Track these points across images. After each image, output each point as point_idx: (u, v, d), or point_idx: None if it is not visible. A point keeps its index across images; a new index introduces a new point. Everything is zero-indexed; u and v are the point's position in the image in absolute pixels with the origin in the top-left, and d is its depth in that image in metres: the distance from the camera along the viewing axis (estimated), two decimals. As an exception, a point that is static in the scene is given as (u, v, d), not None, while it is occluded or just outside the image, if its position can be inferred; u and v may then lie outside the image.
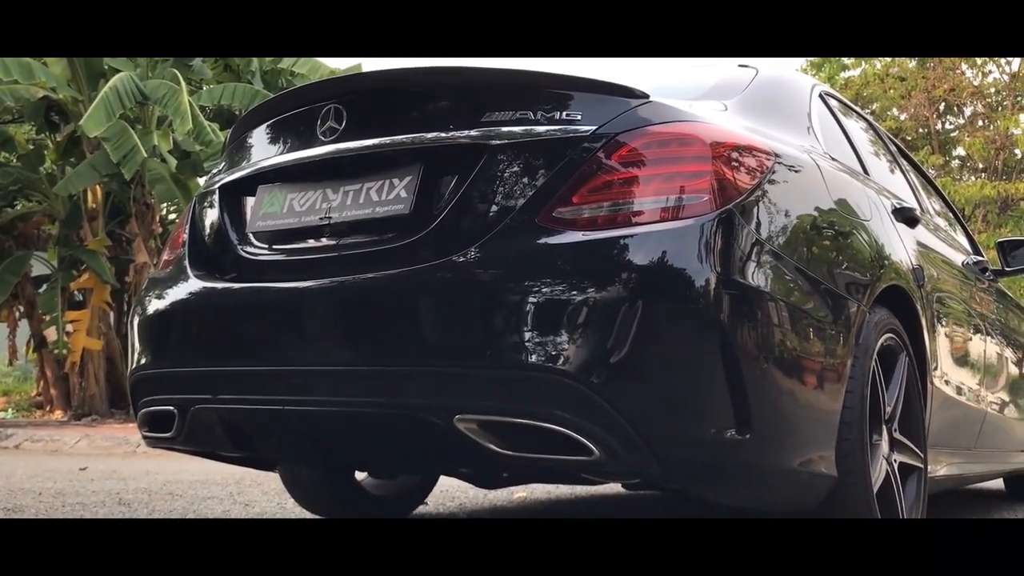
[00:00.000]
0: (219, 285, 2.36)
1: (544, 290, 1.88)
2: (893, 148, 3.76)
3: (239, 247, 2.37)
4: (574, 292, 1.86)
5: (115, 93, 9.89)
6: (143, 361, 2.48)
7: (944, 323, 2.98)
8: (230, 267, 2.38)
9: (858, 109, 3.69)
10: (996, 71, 20.39)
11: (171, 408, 2.37)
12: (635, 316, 1.83)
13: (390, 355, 2.01)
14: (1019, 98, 19.86)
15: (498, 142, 2.06)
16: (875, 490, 2.31)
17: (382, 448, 2.28)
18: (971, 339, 3.35)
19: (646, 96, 2.12)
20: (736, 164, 2.04)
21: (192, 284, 2.41)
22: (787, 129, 2.51)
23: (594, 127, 2.02)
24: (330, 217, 2.20)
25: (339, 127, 2.23)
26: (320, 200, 2.23)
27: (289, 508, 3.63)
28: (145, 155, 10.28)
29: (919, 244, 2.94)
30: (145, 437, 2.57)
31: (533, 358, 1.84)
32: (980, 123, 19.90)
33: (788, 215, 2.17)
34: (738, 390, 1.90)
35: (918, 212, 3.18)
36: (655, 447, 1.87)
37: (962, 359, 3.20)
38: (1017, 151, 19.32)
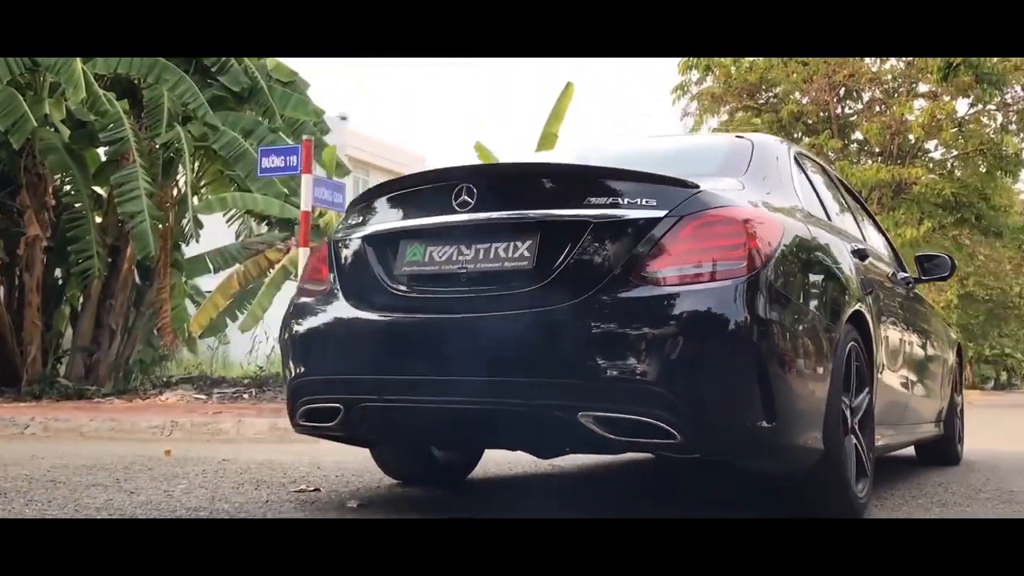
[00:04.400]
0: (374, 315, 3.11)
1: (636, 326, 2.73)
2: (841, 188, 4.75)
3: (389, 285, 3.12)
4: (658, 329, 2.72)
5: (2, 58, 9.45)
6: (306, 369, 3.29)
7: (884, 332, 3.92)
8: (382, 301, 3.11)
9: (814, 157, 4.60)
10: (893, 59, 21.10)
11: (337, 405, 3.12)
12: (698, 346, 2.71)
13: (524, 370, 2.82)
14: (914, 85, 20.57)
15: (599, 220, 2.86)
16: (847, 455, 3.20)
17: (514, 435, 3.17)
18: (900, 341, 4.30)
19: (697, 187, 2.93)
20: (760, 238, 2.87)
21: (348, 312, 3.18)
22: (780, 195, 3.45)
23: (666, 211, 2.84)
24: (465, 268, 3.00)
25: (471, 201, 3.02)
26: (456, 253, 3.03)
27: (177, 496, 3.57)
28: (36, 124, 9.86)
29: (868, 273, 3.85)
30: (301, 426, 3.34)
31: (633, 373, 2.70)
32: (877, 109, 20.54)
33: (791, 268, 3.02)
34: (766, 395, 2.75)
35: (867, 248, 4.12)
36: (717, 435, 2.78)
37: (895, 358, 4.15)
38: (911, 136, 20.03)
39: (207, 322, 11.56)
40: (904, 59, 20.69)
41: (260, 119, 11.66)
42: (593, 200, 2.91)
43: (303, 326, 3.34)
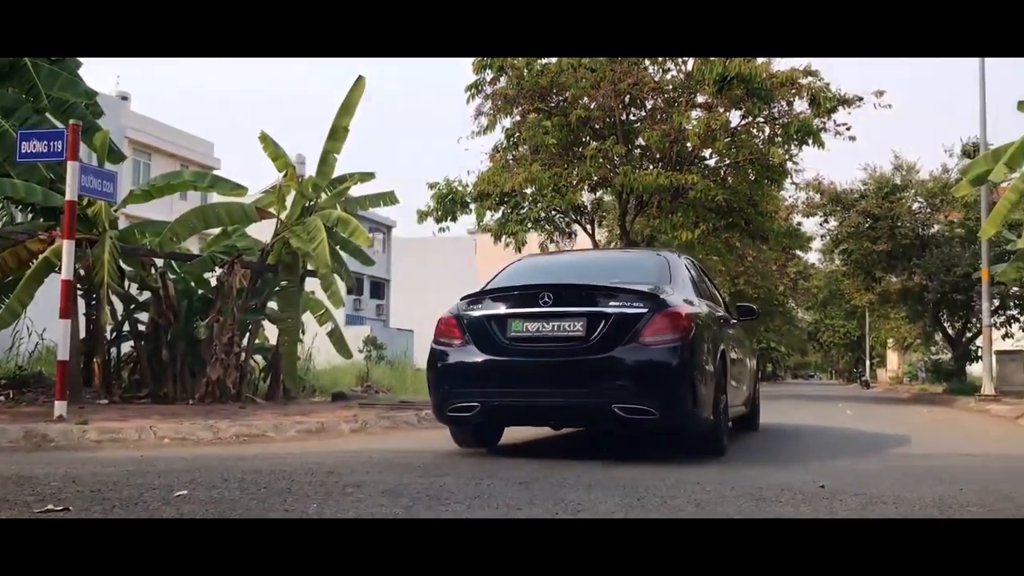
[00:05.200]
0: (496, 358, 6.00)
1: (637, 365, 5.73)
2: (704, 273, 8.09)
3: (503, 342, 5.99)
4: (646, 366, 5.73)
5: None
6: (453, 386, 6.15)
7: (731, 357, 7.07)
8: (499, 350, 6.00)
9: (693, 259, 7.95)
10: (675, 69, 22.23)
11: (476, 404, 6.03)
12: (665, 373, 5.74)
13: (582, 386, 5.81)
14: (692, 96, 21.75)
15: (615, 312, 5.79)
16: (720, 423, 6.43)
17: (574, 419, 6.70)
18: (735, 360, 7.47)
19: (659, 296, 5.93)
20: (689, 320, 5.90)
21: (480, 356, 6.05)
22: (688, 292, 6.56)
23: (647, 309, 5.81)
24: (546, 334, 5.89)
25: (550, 300, 5.92)
26: (541, 327, 5.91)
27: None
28: None
29: (724, 327, 7.20)
30: (448, 416, 6.26)
31: (636, 387, 5.73)
32: (659, 117, 21.54)
33: (700, 333, 6.02)
34: (693, 395, 5.82)
35: (724, 314, 7.61)
36: (671, 414, 5.77)
37: (734, 370, 7.31)
38: (688, 144, 21.15)
39: (-43, 317, 10.54)
40: (683, 71, 21.86)
41: (24, 97, 10.78)
42: (611, 302, 5.89)
43: (448, 363, 6.24)
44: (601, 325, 5.73)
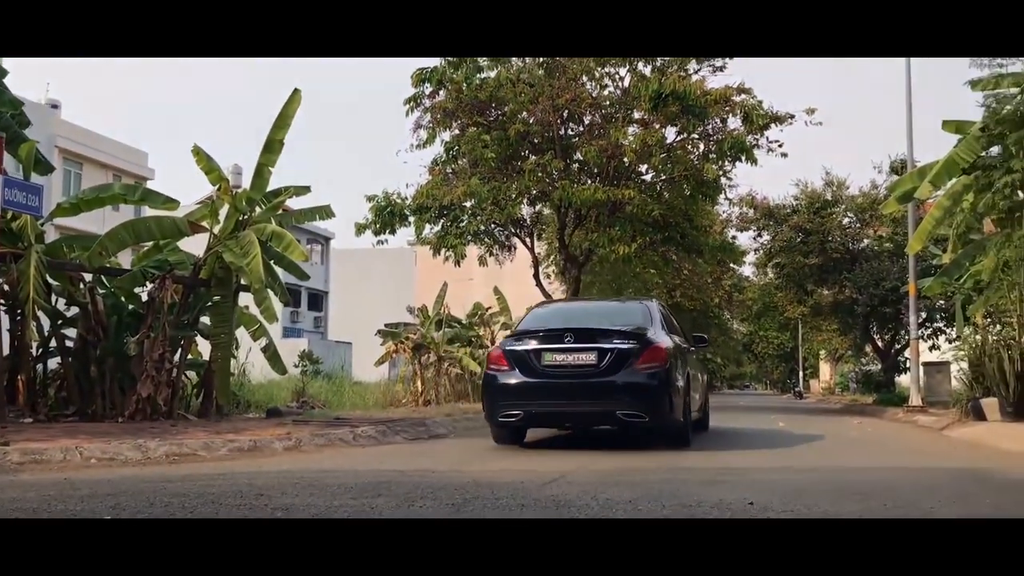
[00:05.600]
0: (533, 380, 8.65)
1: (634, 384, 8.46)
2: (671, 314, 11.05)
3: (541, 366, 8.65)
4: (639, 385, 8.48)
5: None
6: (503, 400, 8.72)
7: (691, 374, 9.83)
8: (536, 374, 8.66)
9: (660, 302, 11.00)
10: (612, 85, 22.44)
11: (520, 412, 8.69)
12: (651, 390, 8.48)
13: (595, 400, 8.54)
14: (629, 112, 21.98)
15: (616, 348, 8.56)
16: (687, 423, 9.33)
17: (592, 421, 9.13)
18: (694, 376, 10.23)
19: (645, 334, 8.82)
20: (668, 352, 8.78)
21: (521, 378, 8.70)
22: (664, 330, 9.45)
23: (638, 346, 8.60)
24: (569, 363, 8.59)
25: (571, 339, 8.69)
26: (566, 358, 8.62)
27: None
28: None
29: (688, 353, 10.15)
30: (499, 422, 8.89)
31: (633, 400, 8.44)
32: (597, 132, 21.71)
33: (674, 361, 8.88)
34: (670, 403, 8.58)
35: (689, 346, 10.67)
36: (656, 417, 8.52)
37: (693, 384, 9.94)
38: (625, 160, 21.37)
39: None
40: (620, 87, 22.09)
41: (-57, 107, 10.48)
42: (614, 340, 8.54)
43: (498, 383, 8.73)
44: (607, 356, 8.50)
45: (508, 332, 8.91)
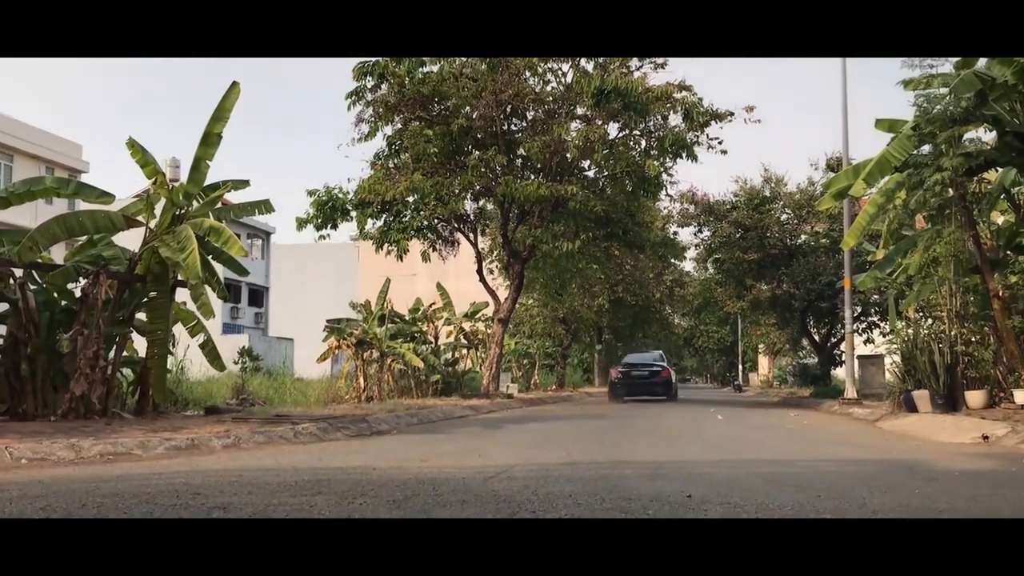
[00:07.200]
0: (629, 381, 29.29)
1: (662, 382, 29.48)
2: (666, 354, 37.41)
3: (631, 376, 29.53)
4: (664, 382, 29.53)
5: None
6: (620, 387, 28.99)
7: (674, 376, 34.85)
8: (631, 379, 29.45)
9: (660, 351, 35.90)
10: (555, 81, 22.51)
11: (625, 392, 28.71)
12: (667, 384, 29.53)
13: (649, 388, 29.22)
14: (572, 108, 22.08)
15: (655, 369, 30.22)
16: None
17: (649, 395, 29.03)
18: (675, 377, 35.74)
19: (663, 364, 31.05)
20: (668, 372, 30.51)
21: (628, 379, 29.34)
22: (665, 362, 32.23)
23: (660, 369, 30.09)
24: (644, 373, 29.63)
25: (644, 368, 30.16)
26: (640, 373, 29.65)
27: None
28: None
29: (672, 367, 35.80)
30: (615, 397, 28.74)
31: (662, 388, 29.31)
32: (539, 128, 21.77)
33: (671, 374, 30.95)
34: (672, 389, 29.93)
35: (670, 363, 36.39)
36: (669, 396, 29.25)
37: (675, 380, 34.48)
38: (568, 155, 21.47)
39: None
40: (563, 83, 22.16)
41: None
42: (654, 367, 30.03)
43: (618, 382, 29.15)
44: (652, 372, 28.96)
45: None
